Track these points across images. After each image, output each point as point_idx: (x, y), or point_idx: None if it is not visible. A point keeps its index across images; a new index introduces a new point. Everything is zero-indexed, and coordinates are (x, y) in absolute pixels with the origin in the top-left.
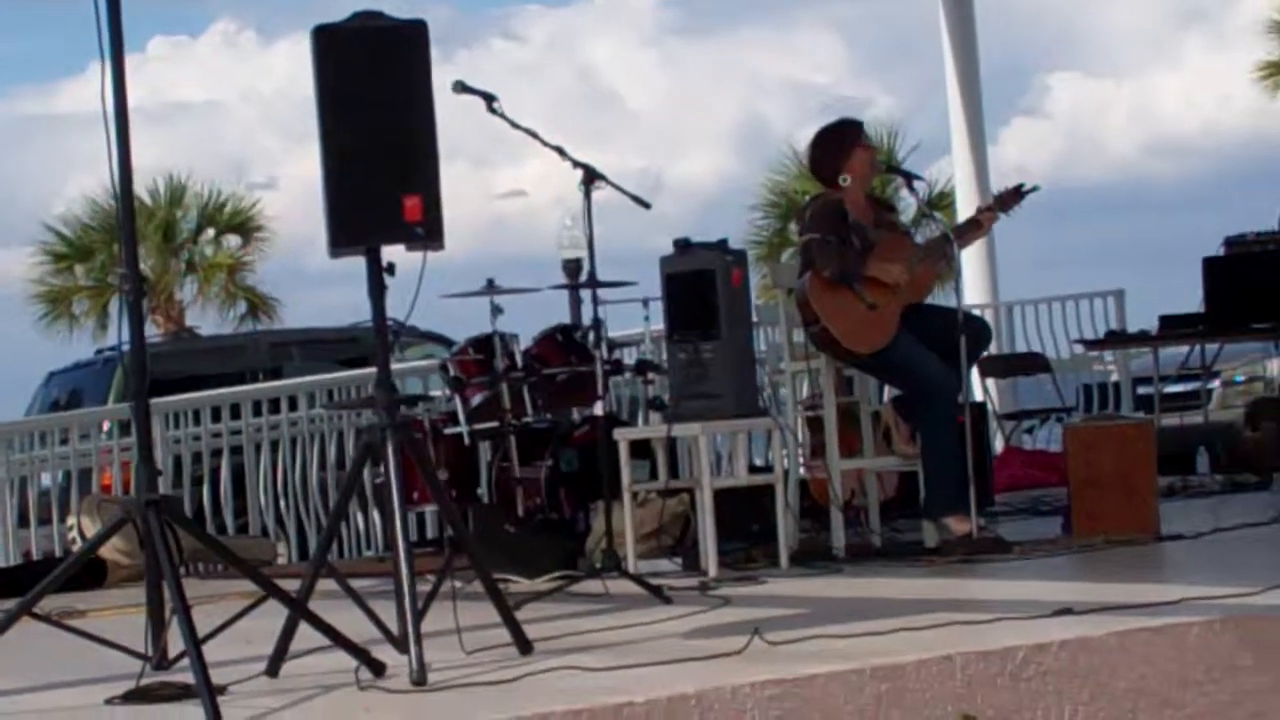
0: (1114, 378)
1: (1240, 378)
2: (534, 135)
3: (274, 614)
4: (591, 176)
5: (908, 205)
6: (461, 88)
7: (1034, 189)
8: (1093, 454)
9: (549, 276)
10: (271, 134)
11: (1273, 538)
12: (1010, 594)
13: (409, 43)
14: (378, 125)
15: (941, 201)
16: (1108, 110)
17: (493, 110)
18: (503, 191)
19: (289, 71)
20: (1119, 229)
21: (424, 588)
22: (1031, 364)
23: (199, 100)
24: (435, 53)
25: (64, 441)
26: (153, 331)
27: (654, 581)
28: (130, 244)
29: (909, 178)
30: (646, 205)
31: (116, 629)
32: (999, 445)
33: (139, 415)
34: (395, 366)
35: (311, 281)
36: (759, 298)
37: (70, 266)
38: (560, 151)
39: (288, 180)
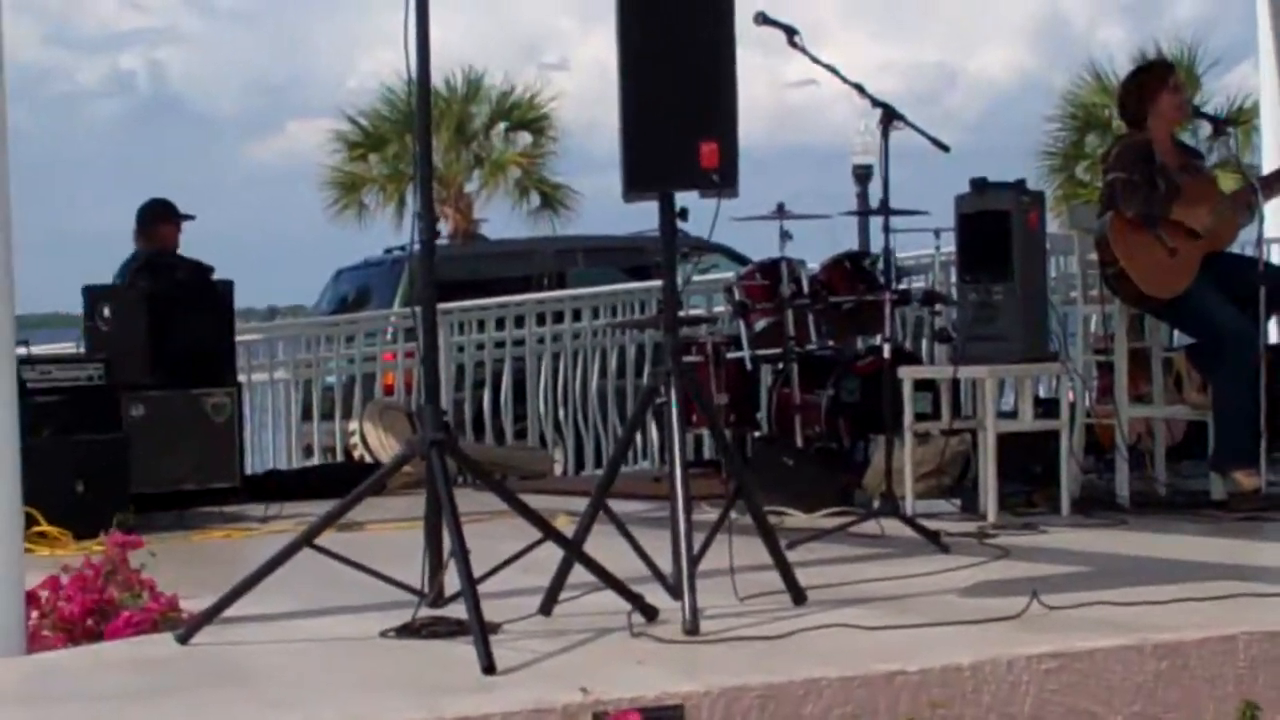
0: None
1: None
2: (834, 71)
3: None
4: (890, 116)
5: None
6: (763, 19)
7: None
8: None
9: (836, 169)
10: (565, 14)
11: None
12: None
13: None
14: (679, 68)
15: (1240, 118)
16: None
17: (794, 44)
18: (793, 80)
19: None
20: None
21: (699, 517)
22: None
23: None
24: None
25: (349, 341)
26: (442, 229)
27: (932, 526)
28: (426, 187)
29: (1217, 123)
30: (945, 148)
31: (394, 545)
32: None
33: (428, 360)
34: (681, 285)
35: (599, 166)
36: (1051, 209)
37: (364, 155)
38: (860, 89)
39: (580, 61)
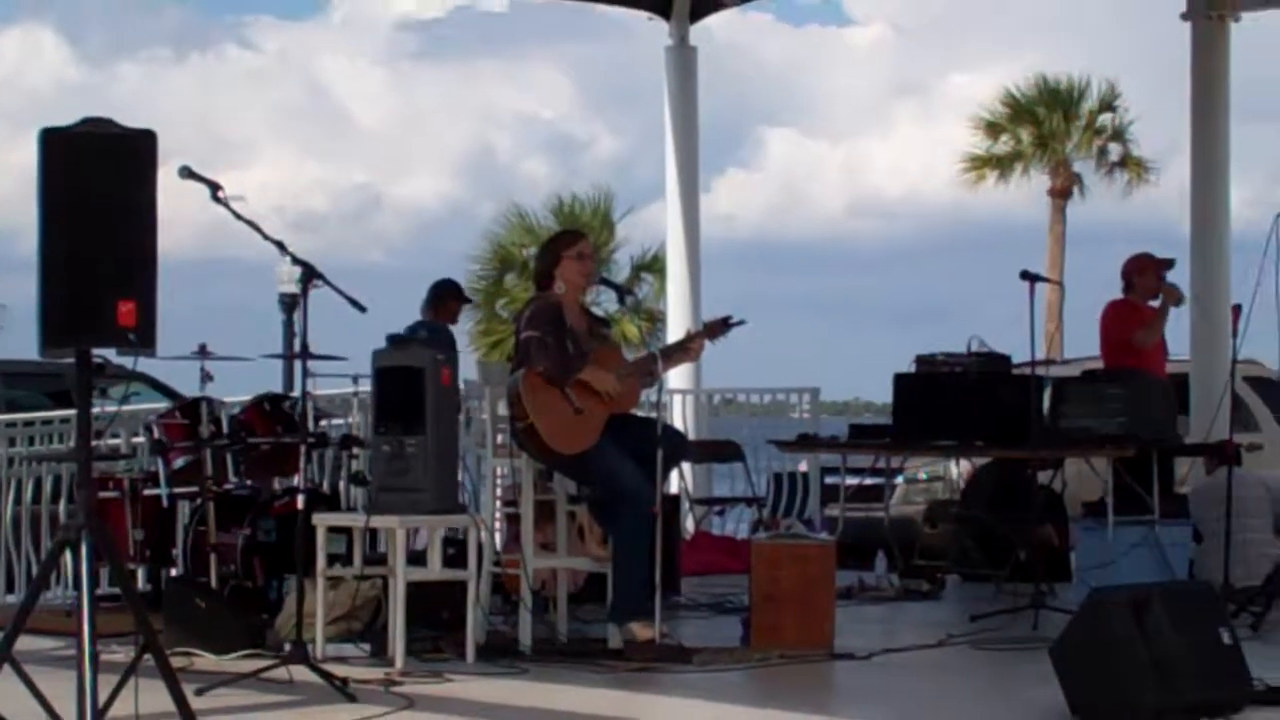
0: (803, 467)
1: (924, 475)
2: (255, 228)
3: None
4: (310, 275)
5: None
6: (188, 173)
7: (741, 322)
8: (776, 571)
9: (266, 279)
10: None
11: (939, 663)
12: (684, 716)
13: (138, 151)
14: (99, 230)
15: (654, 265)
16: (820, 169)
17: (217, 199)
18: (224, 195)
19: (17, 61)
20: (822, 281)
21: (107, 657)
22: (726, 451)
23: None
24: (164, 53)
25: None
26: None
27: (341, 671)
28: None
29: (621, 292)
30: (362, 309)
31: None
32: (690, 527)
33: None
34: (101, 411)
35: (23, 266)
36: (471, 346)
37: None
38: (280, 246)
39: (7, 167)
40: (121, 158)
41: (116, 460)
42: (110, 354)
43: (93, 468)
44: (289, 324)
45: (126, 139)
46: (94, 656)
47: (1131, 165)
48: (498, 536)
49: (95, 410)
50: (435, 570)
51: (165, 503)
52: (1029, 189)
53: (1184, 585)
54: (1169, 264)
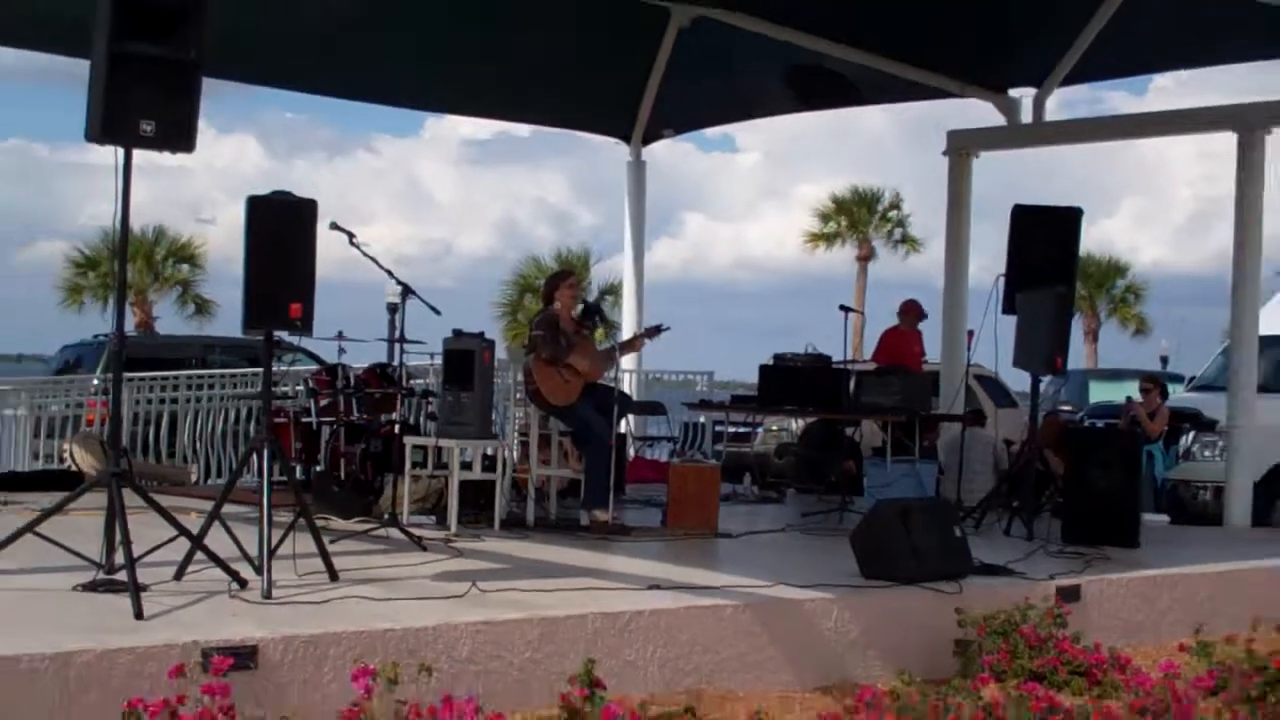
0: (702, 420)
1: (775, 427)
2: (375, 261)
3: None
4: (407, 291)
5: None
6: (334, 226)
7: (667, 329)
8: (684, 482)
9: (379, 293)
10: (218, 189)
11: (781, 542)
12: (625, 568)
13: (305, 212)
14: (281, 259)
15: (615, 292)
16: (717, 238)
17: (352, 243)
18: (356, 241)
19: (233, 155)
20: (717, 309)
21: (276, 519)
22: (655, 409)
23: (173, 165)
24: (321, 155)
25: (68, 391)
26: (129, 325)
27: (417, 533)
28: (120, 296)
29: (589, 307)
30: (438, 313)
31: (86, 528)
32: (632, 454)
33: (114, 413)
34: (277, 370)
35: (231, 281)
36: (504, 337)
37: (85, 271)
38: (389, 273)
39: (224, 219)
40: (295, 215)
41: (285, 400)
42: (284, 335)
43: (271, 404)
44: (392, 321)
45: (298, 204)
46: (269, 518)
47: (909, 242)
48: (515, 454)
49: (274, 369)
50: (477, 473)
51: (314, 427)
52: (845, 255)
53: (932, 501)
54: (921, 314)
